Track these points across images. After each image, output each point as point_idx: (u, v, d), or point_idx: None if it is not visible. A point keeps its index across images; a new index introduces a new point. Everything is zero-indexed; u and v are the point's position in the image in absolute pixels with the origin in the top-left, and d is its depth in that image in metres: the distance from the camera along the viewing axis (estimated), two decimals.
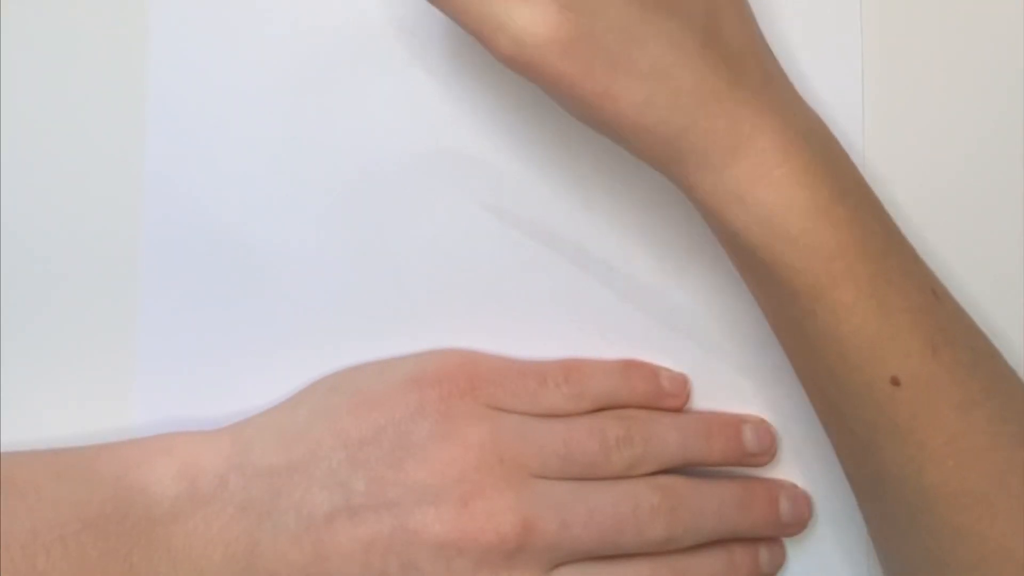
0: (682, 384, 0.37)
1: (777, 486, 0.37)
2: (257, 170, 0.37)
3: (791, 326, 0.33)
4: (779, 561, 0.37)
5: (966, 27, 0.38)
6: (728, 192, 0.31)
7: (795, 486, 0.37)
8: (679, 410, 0.37)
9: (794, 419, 0.38)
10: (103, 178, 0.37)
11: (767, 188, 0.31)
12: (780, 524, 0.37)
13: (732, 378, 0.38)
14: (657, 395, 0.36)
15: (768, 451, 0.37)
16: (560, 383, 0.35)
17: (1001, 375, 0.33)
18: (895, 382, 0.31)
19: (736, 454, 0.36)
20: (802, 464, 0.38)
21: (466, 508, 0.33)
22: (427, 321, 0.37)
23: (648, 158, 0.32)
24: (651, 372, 0.37)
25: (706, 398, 0.38)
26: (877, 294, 0.31)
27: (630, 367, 0.37)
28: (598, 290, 0.38)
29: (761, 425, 0.37)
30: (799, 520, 0.37)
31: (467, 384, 0.34)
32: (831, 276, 0.31)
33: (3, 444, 0.35)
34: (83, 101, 0.37)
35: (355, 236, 0.37)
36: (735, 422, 0.37)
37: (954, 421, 0.31)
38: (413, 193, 0.37)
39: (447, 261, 0.37)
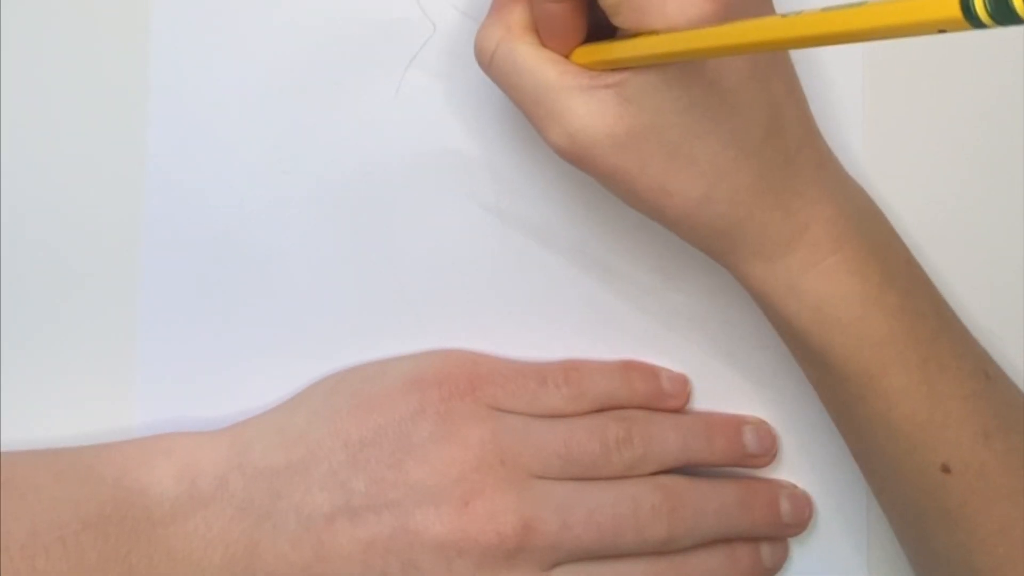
0: (682, 384, 0.37)
1: (777, 486, 0.37)
2: (258, 171, 0.37)
3: (842, 408, 0.33)
4: (781, 558, 0.37)
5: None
6: (780, 281, 0.32)
7: (795, 486, 0.37)
8: (679, 410, 0.37)
9: (794, 419, 0.38)
10: (104, 178, 0.37)
11: (819, 277, 0.31)
12: (781, 524, 0.37)
13: (732, 378, 0.38)
14: (657, 395, 0.36)
15: (768, 452, 0.37)
16: (560, 384, 0.35)
17: None
18: (945, 469, 0.31)
19: (736, 455, 0.36)
20: (802, 464, 0.38)
21: (466, 508, 0.33)
22: (427, 321, 0.37)
23: (701, 247, 0.33)
24: (651, 372, 0.37)
25: (706, 398, 0.38)
26: (928, 380, 0.31)
27: (630, 368, 0.37)
28: (598, 290, 0.37)
29: (761, 426, 0.37)
30: (800, 520, 0.37)
31: (467, 385, 0.34)
32: (881, 363, 0.31)
33: (3, 444, 0.35)
34: (84, 101, 0.37)
35: (355, 237, 0.37)
36: (735, 423, 0.37)
37: (1006, 510, 0.31)
38: (413, 193, 0.37)
39: (447, 261, 0.37)
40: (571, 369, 0.36)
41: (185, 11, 0.37)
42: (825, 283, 0.31)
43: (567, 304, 0.37)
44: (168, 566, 0.32)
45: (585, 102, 0.30)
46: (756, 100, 0.30)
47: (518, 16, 0.32)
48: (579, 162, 0.31)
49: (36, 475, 0.33)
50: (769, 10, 0.31)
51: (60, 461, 0.34)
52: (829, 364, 0.32)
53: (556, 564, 0.34)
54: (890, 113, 0.38)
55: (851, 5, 0.22)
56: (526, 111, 0.31)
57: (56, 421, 0.36)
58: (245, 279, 0.37)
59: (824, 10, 0.23)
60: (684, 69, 0.29)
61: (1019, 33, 0.38)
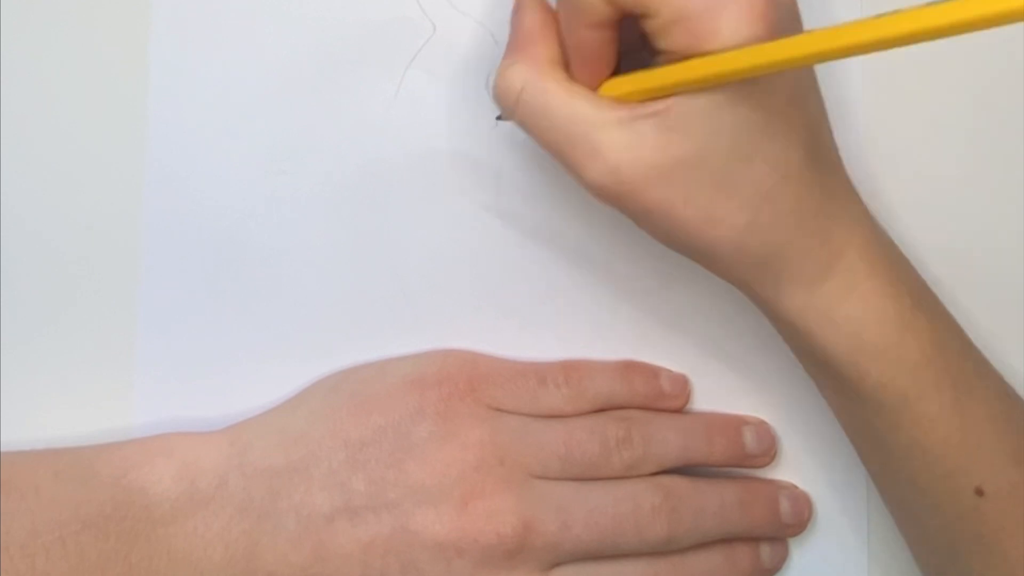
0: (682, 384, 0.37)
1: (777, 486, 0.37)
2: (257, 171, 0.37)
3: (872, 436, 0.33)
4: (781, 558, 0.37)
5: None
6: (818, 309, 0.31)
7: (795, 486, 0.37)
8: (679, 411, 0.37)
9: (794, 419, 0.38)
10: (104, 178, 0.37)
11: (856, 303, 0.31)
12: (780, 524, 0.37)
13: (732, 378, 0.38)
14: (657, 396, 0.36)
15: (768, 452, 0.37)
16: (560, 384, 0.35)
17: None
18: (979, 492, 0.31)
19: (736, 455, 0.36)
20: (802, 464, 0.38)
21: (466, 509, 0.33)
22: (427, 321, 0.37)
23: (741, 279, 0.32)
24: (651, 373, 0.37)
25: (706, 398, 0.38)
26: (959, 403, 0.31)
27: (630, 368, 0.37)
28: (598, 290, 0.37)
29: (761, 426, 0.37)
30: (799, 520, 0.37)
31: (467, 385, 0.34)
32: (917, 388, 0.31)
33: (3, 444, 0.35)
34: (84, 101, 0.37)
35: (355, 236, 0.37)
36: (735, 423, 0.37)
37: None
38: (413, 193, 0.37)
39: (447, 261, 0.37)
40: (571, 369, 0.36)
41: (185, 11, 0.37)
42: (862, 309, 0.31)
43: (567, 304, 0.37)
44: (168, 566, 0.32)
45: (625, 135, 0.29)
46: (796, 122, 0.30)
47: (544, 52, 0.31)
48: (620, 199, 0.30)
49: (36, 475, 0.33)
50: (800, 28, 0.31)
51: (60, 461, 0.33)
52: (864, 392, 0.32)
53: (556, 564, 0.34)
54: (890, 115, 0.38)
55: (930, 2, 0.22)
56: (559, 152, 0.30)
57: (56, 421, 0.36)
58: (245, 279, 0.37)
59: (901, 11, 0.23)
60: (732, 93, 0.28)
61: (1019, 34, 0.38)
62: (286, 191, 0.37)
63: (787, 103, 0.30)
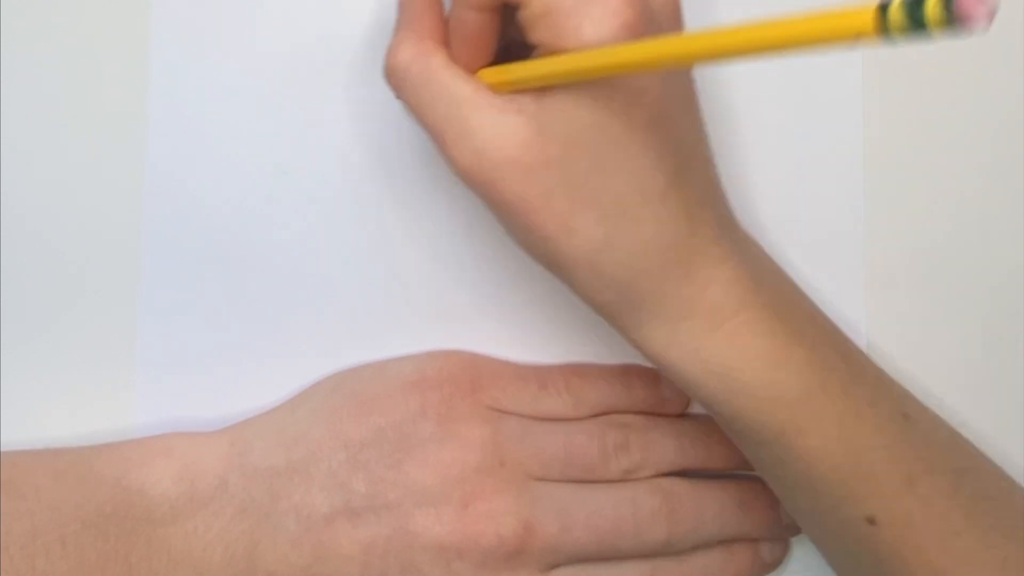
0: None
1: None
2: (258, 171, 0.37)
3: (764, 468, 0.33)
4: (781, 553, 0.37)
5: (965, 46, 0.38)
6: (683, 346, 0.30)
7: None
8: (679, 414, 0.37)
9: None
10: (104, 178, 0.37)
11: (722, 341, 0.30)
12: (780, 525, 0.37)
13: None
14: (657, 401, 0.36)
15: None
16: (561, 391, 0.35)
17: (984, 492, 0.32)
18: (872, 522, 0.31)
19: (736, 460, 0.36)
20: None
21: (466, 510, 0.33)
22: (428, 323, 0.37)
23: (597, 303, 0.31)
24: (651, 378, 0.37)
25: None
26: (845, 435, 0.31)
27: (631, 373, 0.37)
28: None
29: None
30: None
31: (468, 386, 0.34)
32: (796, 425, 0.30)
33: (3, 444, 0.35)
34: (84, 101, 0.37)
35: (356, 237, 0.37)
36: None
37: (935, 555, 0.30)
38: (413, 193, 0.37)
39: (448, 262, 0.37)
40: (572, 374, 0.36)
41: (185, 11, 0.37)
42: (729, 347, 0.30)
43: (567, 305, 0.37)
44: (168, 566, 0.32)
45: (497, 123, 0.29)
46: (663, 143, 0.29)
47: (430, 30, 0.31)
48: (482, 185, 0.30)
49: (36, 475, 0.33)
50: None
51: (60, 461, 0.33)
52: (743, 430, 0.31)
53: (555, 566, 0.34)
54: (890, 113, 0.38)
55: (765, 20, 0.22)
56: (434, 128, 0.30)
57: (56, 421, 0.36)
58: (245, 279, 0.37)
59: (739, 25, 0.23)
60: (593, 98, 0.28)
61: (1019, 33, 0.38)
62: (286, 191, 0.37)
63: (652, 120, 0.29)
